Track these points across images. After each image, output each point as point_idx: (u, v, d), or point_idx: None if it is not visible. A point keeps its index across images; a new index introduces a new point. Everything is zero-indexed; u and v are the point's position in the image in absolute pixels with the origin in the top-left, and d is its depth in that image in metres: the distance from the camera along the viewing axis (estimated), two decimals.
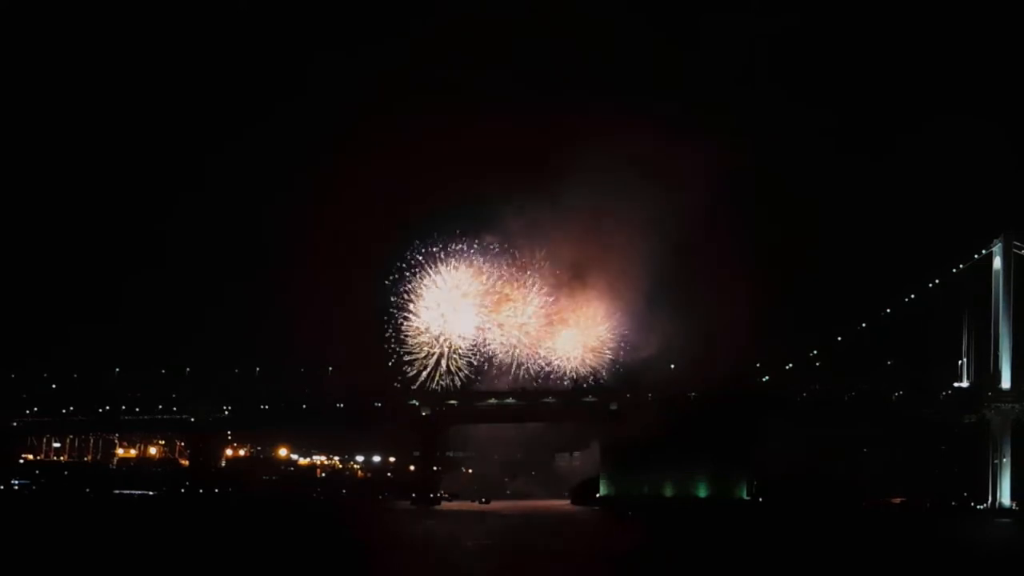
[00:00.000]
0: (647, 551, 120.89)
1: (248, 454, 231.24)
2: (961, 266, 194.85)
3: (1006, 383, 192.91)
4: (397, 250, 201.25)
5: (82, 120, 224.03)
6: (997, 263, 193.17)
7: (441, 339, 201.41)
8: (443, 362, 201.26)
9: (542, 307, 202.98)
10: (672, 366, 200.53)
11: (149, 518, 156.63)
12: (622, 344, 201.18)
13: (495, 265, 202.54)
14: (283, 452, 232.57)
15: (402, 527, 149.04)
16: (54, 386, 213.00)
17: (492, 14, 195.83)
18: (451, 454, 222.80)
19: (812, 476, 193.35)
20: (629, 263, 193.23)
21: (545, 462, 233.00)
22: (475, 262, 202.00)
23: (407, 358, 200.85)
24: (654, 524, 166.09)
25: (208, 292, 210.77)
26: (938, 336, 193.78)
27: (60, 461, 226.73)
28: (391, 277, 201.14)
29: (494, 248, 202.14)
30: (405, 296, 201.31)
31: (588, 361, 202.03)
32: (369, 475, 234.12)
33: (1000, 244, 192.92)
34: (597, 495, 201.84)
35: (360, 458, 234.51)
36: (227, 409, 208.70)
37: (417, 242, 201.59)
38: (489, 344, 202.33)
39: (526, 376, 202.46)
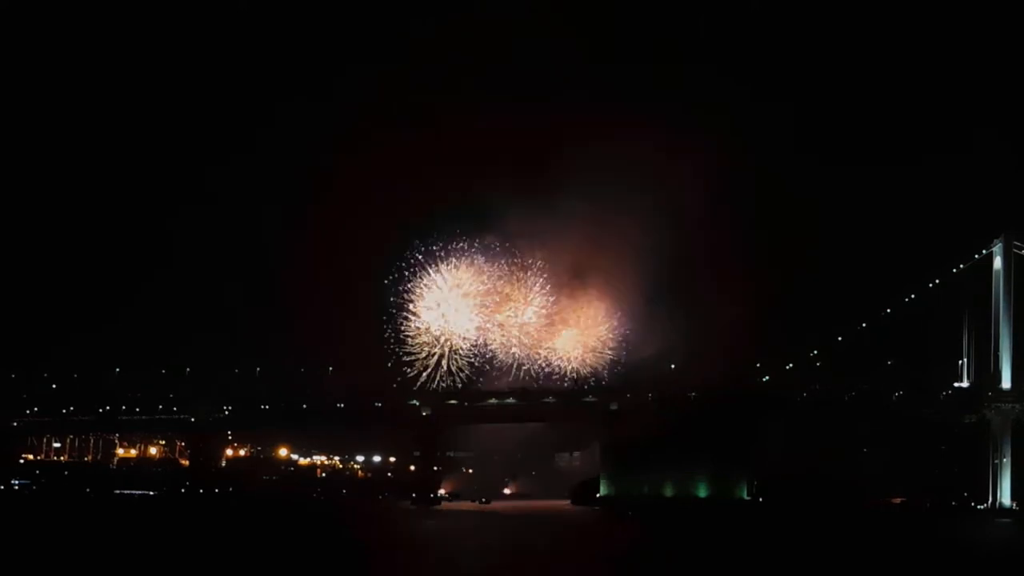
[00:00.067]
0: (647, 551, 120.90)
1: (248, 454, 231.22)
2: (961, 266, 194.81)
3: (1006, 383, 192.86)
4: (397, 250, 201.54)
5: (83, 121, 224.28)
6: (997, 263, 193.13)
7: (441, 339, 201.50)
8: (443, 362, 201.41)
9: (542, 307, 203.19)
10: (672, 366, 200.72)
11: (149, 518, 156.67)
12: (622, 344, 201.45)
13: (495, 265, 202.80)
14: (283, 452, 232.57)
15: (402, 527, 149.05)
16: (54, 386, 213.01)
17: (492, 14, 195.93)
18: (451, 454, 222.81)
19: (812, 476, 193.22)
20: (629, 263, 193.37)
21: (545, 462, 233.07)
22: (475, 262, 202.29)
23: (407, 358, 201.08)
24: (654, 524, 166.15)
25: (208, 292, 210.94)
26: (938, 336, 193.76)
27: (60, 461, 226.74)
28: (391, 277, 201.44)
29: (494, 248, 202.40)
30: (405, 296, 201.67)
31: (588, 361, 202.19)
32: (369, 475, 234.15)
33: (1000, 244, 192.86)
34: (597, 495, 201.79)
35: (360, 458, 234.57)
36: (227, 409, 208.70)
37: (417, 242, 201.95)
38: (489, 344, 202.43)
39: (526, 376, 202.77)
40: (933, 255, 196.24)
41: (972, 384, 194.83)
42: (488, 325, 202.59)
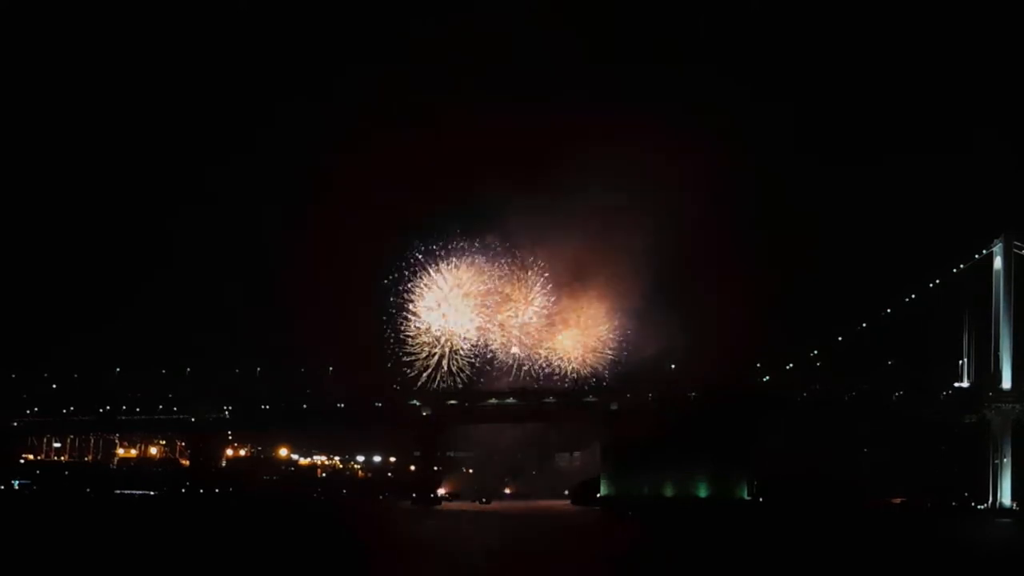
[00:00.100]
0: (647, 551, 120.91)
1: (249, 454, 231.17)
2: (961, 266, 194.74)
3: (1007, 383, 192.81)
4: (397, 250, 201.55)
5: (82, 121, 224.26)
6: (997, 263, 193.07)
7: (442, 339, 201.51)
8: (444, 362, 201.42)
9: (542, 307, 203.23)
10: (672, 366, 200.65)
11: (149, 518, 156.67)
12: (622, 344, 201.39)
13: (495, 265, 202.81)
14: (284, 452, 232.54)
15: (403, 527, 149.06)
16: (54, 386, 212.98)
17: (492, 14, 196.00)
18: (451, 454, 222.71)
19: (812, 476, 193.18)
20: (629, 263, 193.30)
21: (545, 462, 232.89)
22: (475, 262, 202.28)
23: (407, 358, 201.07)
24: (654, 524, 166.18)
25: (208, 292, 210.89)
26: (938, 336, 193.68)
27: (60, 461, 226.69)
28: (391, 277, 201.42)
29: (494, 248, 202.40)
30: (405, 296, 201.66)
31: (588, 361, 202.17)
32: (369, 475, 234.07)
33: (1000, 244, 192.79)
34: (597, 495, 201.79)
35: (360, 458, 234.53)
36: (227, 409, 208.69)
37: (417, 242, 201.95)
38: (490, 344, 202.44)
39: (526, 376, 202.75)
40: (933, 255, 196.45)
41: (972, 384, 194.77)
42: (488, 325, 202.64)
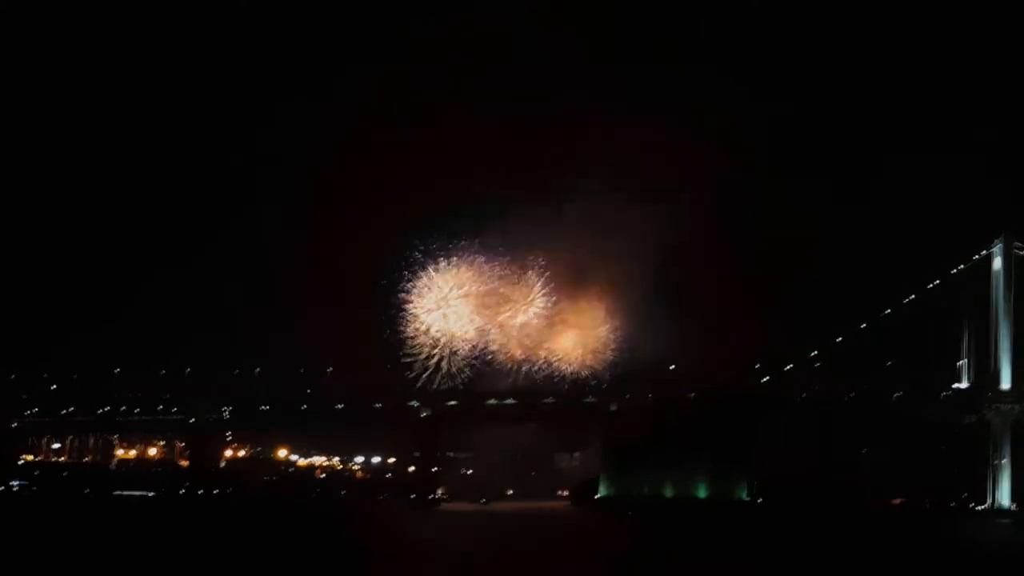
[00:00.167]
0: (647, 551, 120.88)
1: (248, 455, 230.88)
2: (961, 267, 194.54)
3: (1006, 384, 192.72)
4: (397, 250, 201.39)
5: (82, 120, 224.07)
6: (997, 264, 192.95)
7: (441, 340, 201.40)
8: (443, 363, 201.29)
9: (542, 308, 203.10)
10: (672, 367, 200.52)
11: (149, 519, 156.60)
12: (622, 345, 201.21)
13: (495, 265, 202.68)
14: (283, 453, 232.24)
15: (402, 528, 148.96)
16: (54, 387, 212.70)
17: (492, 14, 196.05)
18: (451, 455, 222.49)
19: (812, 476, 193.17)
20: (629, 264, 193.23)
21: (545, 462, 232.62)
22: (475, 262, 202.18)
23: (407, 359, 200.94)
24: (654, 525, 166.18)
25: (208, 292, 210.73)
26: (938, 337, 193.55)
27: (59, 462, 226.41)
28: (391, 277, 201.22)
29: (494, 248, 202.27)
30: (405, 297, 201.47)
31: (588, 362, 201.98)
32: (369, 476, 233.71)
33: (1000, 245, 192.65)
34: (597, 496, 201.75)
35: (360, 459, 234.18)
36: (227, 410, 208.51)
37: (417, 242, 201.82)
38: (489, 345, 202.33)
39: (526, 377, 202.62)
40: (933, 255, 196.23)
41: (972, 385, 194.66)
42: (488, 326, 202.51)
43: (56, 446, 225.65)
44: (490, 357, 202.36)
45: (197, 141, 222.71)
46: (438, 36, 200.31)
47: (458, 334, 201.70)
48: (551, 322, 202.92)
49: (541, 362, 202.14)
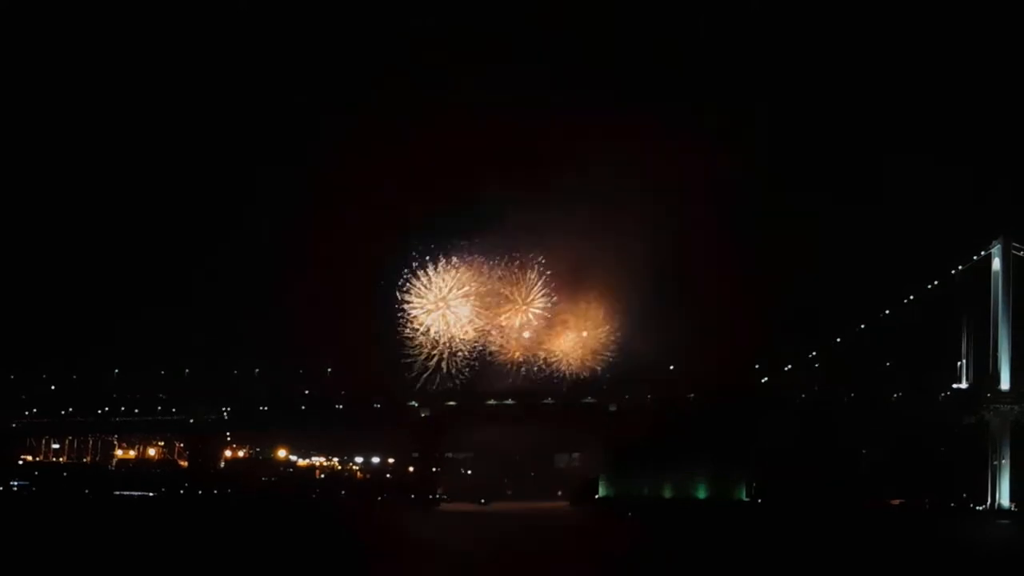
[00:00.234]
0: (647, 551, 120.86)
1: (247, 455, 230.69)
2: (960, 267, 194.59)
3: (1005, 384, 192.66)
4: (397, 250, 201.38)
5: (81, 122, 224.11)
6: (996, 264, 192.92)
7: (441, 340, 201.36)
8: (443, 363, 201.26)
9: (542, 308, 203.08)
10: (671, 367, 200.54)
11: (148, 519, 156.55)
12: (622, 345, 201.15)
13: (495, 266, 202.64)
14: (282, 453, 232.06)
15: (401, 528, 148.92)
16: (53, 387, 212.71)
17: (492, 13, 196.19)
18: (450, 455, 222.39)
19: (812, 476, 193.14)
20: (629, 264, 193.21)
21: (544, 463, 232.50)
22: (475, 262, 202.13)
23: (407, 359, 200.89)
24: (653, 525, 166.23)
25: (208, 292, 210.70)
26: (938, 337, 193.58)
27: (59, 462, 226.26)
28: (391, 277, 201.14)
29: (495, 248, 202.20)
30: (405, 297, 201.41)
31: (587, 362, 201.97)
32: (368, 476, 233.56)
33: (999, 245, 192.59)
34: (596, 496, 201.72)
35: (359, 459, 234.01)
36: (226, 410, 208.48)
37: (417, 242, 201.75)
38: (489, 346, 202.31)
39: (526, 377, 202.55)
40: (932, 256, 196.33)
41: (971, 385, 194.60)
42: (487, 326, 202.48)
43: (56, 446, 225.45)
44: (490, 358, 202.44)
45: (197, 141, 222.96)
46: (438, 36, 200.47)
47: (458, 334, 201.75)
48: (551, 322, 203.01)
49: (541, 362, 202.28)
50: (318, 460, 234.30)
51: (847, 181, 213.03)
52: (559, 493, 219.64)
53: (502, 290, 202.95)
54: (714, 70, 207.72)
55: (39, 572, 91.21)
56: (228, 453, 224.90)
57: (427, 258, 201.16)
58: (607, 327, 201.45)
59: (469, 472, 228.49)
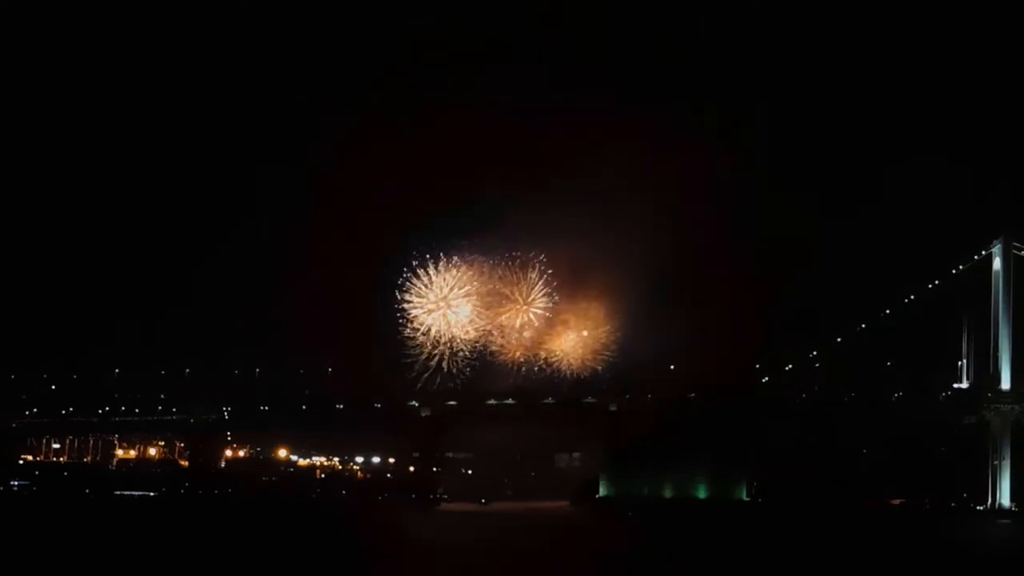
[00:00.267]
0: (647, 551, 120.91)
1: (248, 455, 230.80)
2: (961, 267, 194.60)
3: (1006, 384, 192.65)
4: (397, 250, 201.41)
5: (81, 121, 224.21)
6: (997, 264, 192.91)
7: (441, 340, 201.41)
8: (443, 363, 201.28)
9: (542, 308, 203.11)
10: (672, 367, 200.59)
11: (149, 519, 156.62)
12: (622, 345, 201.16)
13: (495, 266, 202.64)
14: (283, 453, 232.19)
15: (402, 528, 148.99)
16: (53, 387, 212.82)
17: (492, 13, 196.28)
18: (451, 455, 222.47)
19: (812, 476, 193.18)
20: (629, 264, 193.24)
21: (545, 463, 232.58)
22: (475, 262, 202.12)
23: (407, 359, 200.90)
24: (654, 525, 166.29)
25: (208, 292, 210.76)
26: (938, 337, 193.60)
27: (59, 462, 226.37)
28: (391, 277, 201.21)
29: (495, 248, 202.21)
30: (405, 297, 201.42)
31: (588, 362, 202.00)
32: (369, 476, 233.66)
33: (1000, 245, 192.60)
34: (597, 496, 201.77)
35: (360, 459, 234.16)
36: (227, 410, 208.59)
37: (417, 242, 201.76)
38: (489, 345, 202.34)
39: (526, 377, 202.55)
40: (932, 256, 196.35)
41: (971, 385, 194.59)
42: (488, 326, 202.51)
43: (56, 446, 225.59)
44: (490, 357, 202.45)
45: (197, 141, 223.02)
46: (438, 36, 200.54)
47: (458, 334, 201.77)
48: (551, 322, 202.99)
49: (541, 362, 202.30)
50: (319, 460, 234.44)
51: (847, 181, 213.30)
52: (564, 493, 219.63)
53: (503, 290, 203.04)
54: (714, 70, 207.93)
55: (39, 572, 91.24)
56: (228, 453, 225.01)
57: (427, 258, 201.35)
58: (607, 327, 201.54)
59: (469, 472, 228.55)
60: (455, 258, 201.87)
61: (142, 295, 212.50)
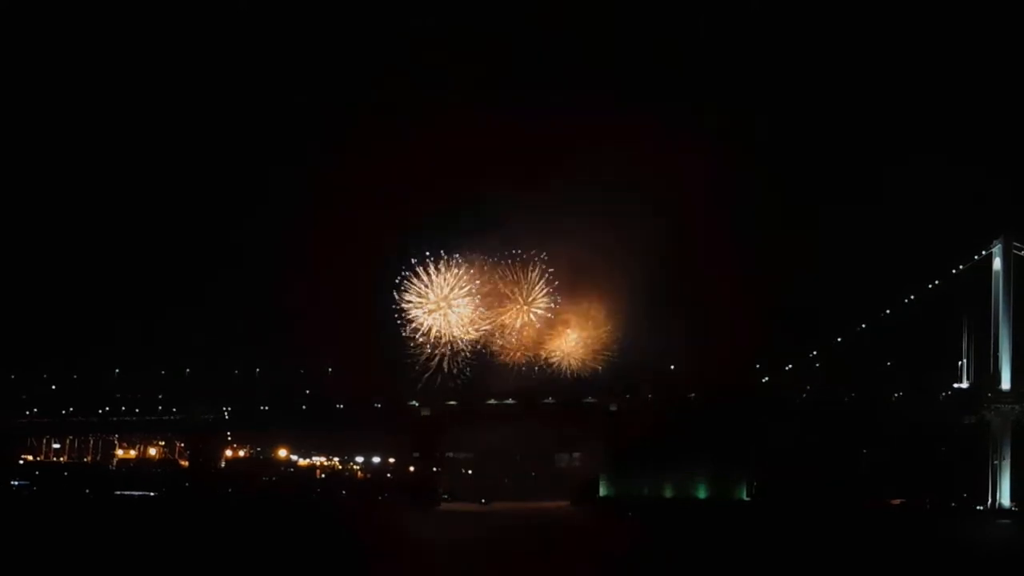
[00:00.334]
0: (647, 551, 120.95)
1: (248, 455, 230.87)
2: (961, 267, 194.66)
3: (1006, 384, 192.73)
4: (397, 250, 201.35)
5: (82, 121, 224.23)
6: (997, 264, 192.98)
7: (441, 340, 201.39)
8: (444, 363, 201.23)
9: (543, 308, 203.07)
10: (672, 367, 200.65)
11: (149, 519, 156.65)
12: (622, 345, 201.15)
13: (495, 265, 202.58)
14: (283, 453, 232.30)
15: (402, 528, 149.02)
16: (54, 387, 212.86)
17: (492, 13, 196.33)
18: (451, 455, 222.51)
19: (812, 476, 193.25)
20: (629, 264, 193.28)
21: (545, 462, 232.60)
22: (475, 262, 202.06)
23: (407, 359, 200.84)
24: (654, 524, 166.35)
25: (208, 292, 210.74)
26: (938, 337, 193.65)
27: (59, 462, 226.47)
28: (391, 277, 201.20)
29: (495, 248, 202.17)
30: (405, 297, 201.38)
31: (588, 362, 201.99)
32: (369, 476, 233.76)
33: (1000, 245, 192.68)
34: (597, 496, 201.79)
35: (360, 459, 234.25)
36: (227, 410, 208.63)
37: (417, 242, 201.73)
38: (489, 345, 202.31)
39: (526, 377, 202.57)
40: (932, 256, 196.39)
41: (972, 385, 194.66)
42: (488, 326, 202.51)
43: (56, 446, 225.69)
44: (490, 357, 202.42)
45: (197, 142, 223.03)
46: (438, 36, 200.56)
47: (458, 334, 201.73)
48: (551, 322, 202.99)
49: (541, 362, 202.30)
50: (319, 460, 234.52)
51: (847, 181, 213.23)
52: (564, 493, 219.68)
53: (503, 290, 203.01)
54: (714, 70, 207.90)
55: (39, 572, 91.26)
56: (229, 453, 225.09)
57: (427, 257, 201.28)
58: (608, 327, 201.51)
59: (470, 472, 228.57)
60: (456, 258, 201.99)
61: (142, 295, 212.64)
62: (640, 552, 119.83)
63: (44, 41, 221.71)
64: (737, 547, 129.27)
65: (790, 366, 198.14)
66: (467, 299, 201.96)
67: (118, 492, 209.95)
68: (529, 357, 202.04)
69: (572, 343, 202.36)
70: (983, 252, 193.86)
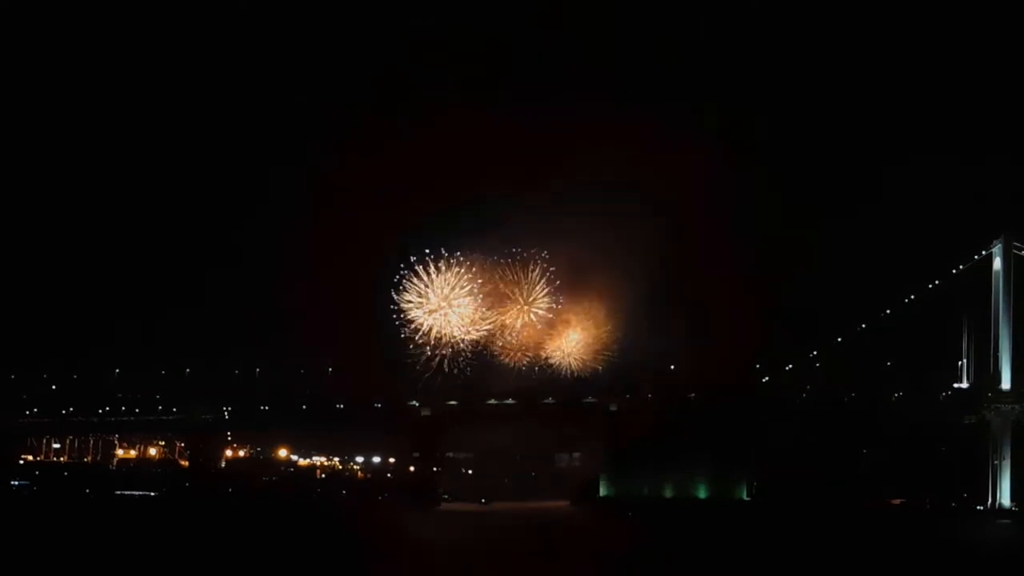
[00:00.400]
0: (647, 551, 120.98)
1: (248, 455, 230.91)
2: (961, 267, 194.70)
3: (1006, 384, 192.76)
4: (397, 250, 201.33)
5: (82, 121, 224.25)
6: (997, 264, 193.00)
7: (442, 340, 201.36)
8: (444, 363, 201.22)
9: (543, 308, 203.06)
10: (672, 367, 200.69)
11: (149, 519, 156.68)
12: (622, 345, 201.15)
13: (496, 265, 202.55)
14: (283, 453, 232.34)
15: (402, 528, 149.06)
16: (54, 387, 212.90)
17: (492, 13, 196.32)
18: (451, 455, 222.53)
19: (812, 476, 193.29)
20: (629, 264, 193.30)
21: (545, 462, 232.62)
22: (475, 262, 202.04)
23: (407, 359, 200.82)
24: (654, 524, 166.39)
25: (208, 292, 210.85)
26: (938, 337, 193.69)
27: (60, 462, 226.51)
28: (391, 277, 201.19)
29: (495, 248, 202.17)
30: (405, 297, 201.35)
31: (588, 362, 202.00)
32: (369, 476, 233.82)
33: (1000, 245, 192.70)
34: (597, 496, 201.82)
35: (360, 459, 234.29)
36: (227, 410, 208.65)
37: (417, 242, 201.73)
38: (490, 345, 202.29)
39: (526, 377, 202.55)
40: (932, 256, 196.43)
41: (972, 385, 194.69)
42: (488, 326, 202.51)
43: (57, 446, 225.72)
44: (491, 357, 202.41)
45: (197, 142, 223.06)
46: (438, 36, 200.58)
47: (458, 334, 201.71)
48: (552, 322, 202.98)
49: (541, 362, 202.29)
50: (319, 460, 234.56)
51: (847, 180, 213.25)
52: (564, 493, 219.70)
53: (503, 290, 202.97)
54: (714, 70, 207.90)
55: (39, 572, 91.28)
56: (229, 453, 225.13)
57: (428, 257, 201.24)
58: (608, 327, 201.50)
59: (470, 472, 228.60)
60: (455, 258, 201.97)
61: (142, 295, 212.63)
62: (640, 552, 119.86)
63: (44, 41, 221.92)
64: (737, 547, 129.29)
65: (790, 366, 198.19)
66: (467, 299, 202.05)
67: (118, 492, 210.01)
68: (529, 357, 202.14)
69: (573, 343, 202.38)
70: (983, 252, 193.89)
